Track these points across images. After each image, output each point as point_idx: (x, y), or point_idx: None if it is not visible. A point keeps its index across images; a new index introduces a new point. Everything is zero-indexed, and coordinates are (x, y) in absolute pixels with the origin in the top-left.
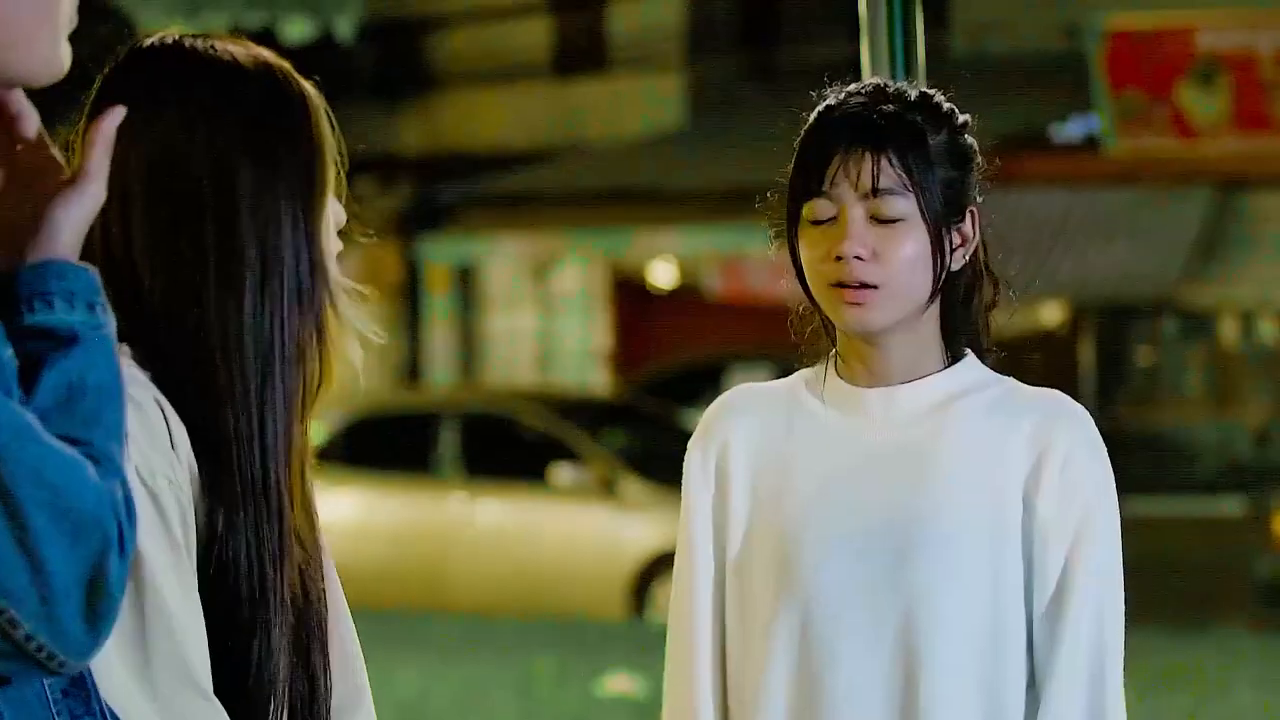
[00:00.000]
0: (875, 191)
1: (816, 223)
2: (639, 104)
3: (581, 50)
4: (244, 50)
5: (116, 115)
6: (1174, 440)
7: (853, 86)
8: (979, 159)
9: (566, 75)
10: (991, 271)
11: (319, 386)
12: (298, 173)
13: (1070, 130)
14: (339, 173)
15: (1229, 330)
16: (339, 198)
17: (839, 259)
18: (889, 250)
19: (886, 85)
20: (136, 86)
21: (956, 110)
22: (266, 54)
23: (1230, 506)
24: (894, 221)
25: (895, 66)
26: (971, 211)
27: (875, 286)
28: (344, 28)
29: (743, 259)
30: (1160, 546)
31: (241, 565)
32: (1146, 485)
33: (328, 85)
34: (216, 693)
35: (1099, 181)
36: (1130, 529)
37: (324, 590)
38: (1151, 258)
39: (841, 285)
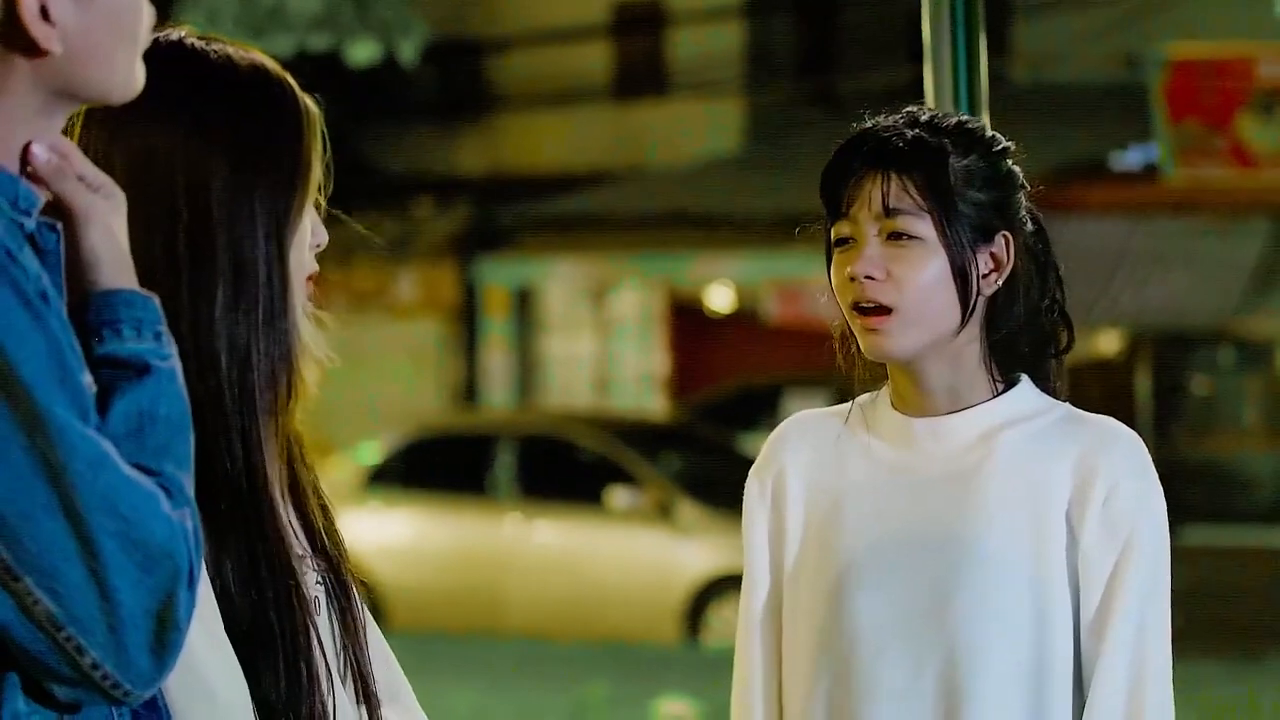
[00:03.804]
0: (888, 211)
1: (840, 244)
2: (698, 128)
3: (641, 74)
4: (243, 57)
5: (38, 147)
6: (1230, 470)
7: (890, 115)
8: (1021, 185)
9: (626, 99)
10: (1066, 315)
11: (289, 404)
12: (275, 186)
13: (1129, 159)
14: (323, 193)
15: None
16: (322, 218)
17: (854, 280)
18: (903, 271)
19: (921, 112)
20: None
21: (997, 136)
22: (266, 63)
23: None
24: (910, 241)
25: (958, 93)
26: (1005, 236)
27: (890, 310)
28: (408, 50)
29: (800, 284)
30: (1216, 576)
31: (238, 583)
32: (1202, 515)
33: (389, 107)
34: (265, 703)
35: (1158, 211)
36: (1186, 559)
37: (355, 585)
38: (1209, 287)
39: (859, 308)
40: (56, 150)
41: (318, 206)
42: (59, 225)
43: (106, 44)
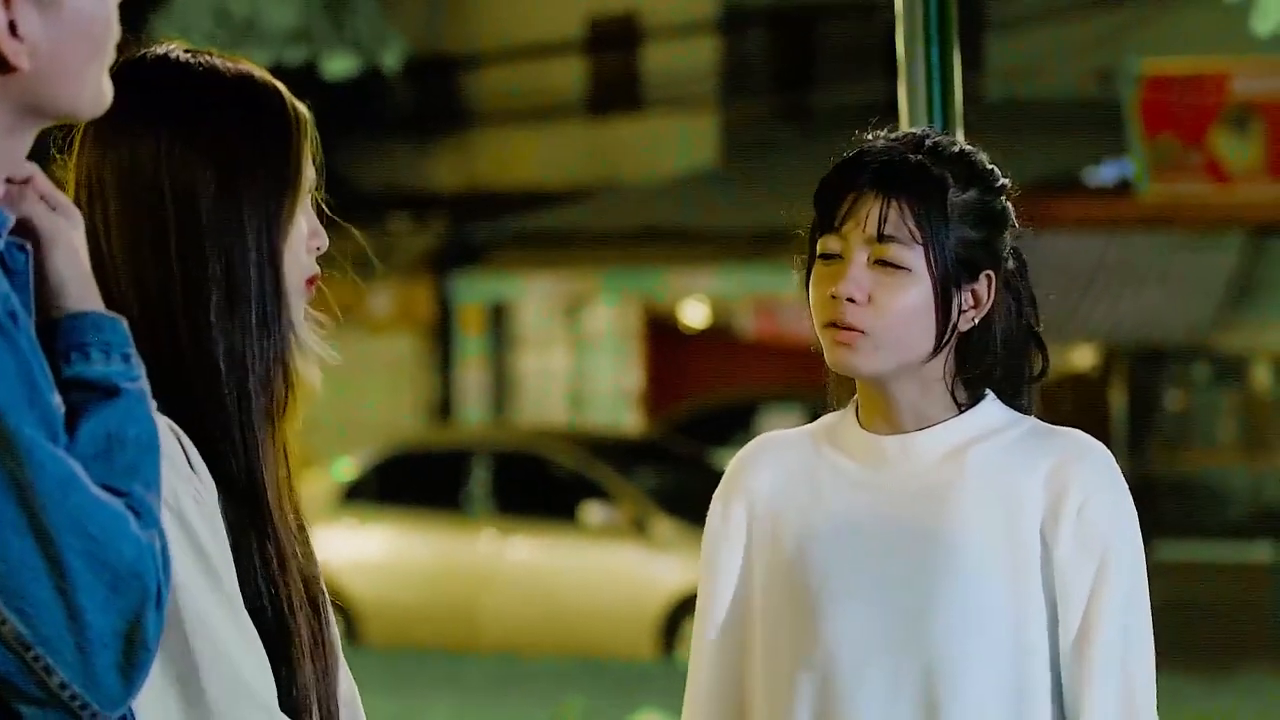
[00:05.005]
0: (880, 237)
1: (825, 258)
2: (673, 144)
3: (616, 90)
4: (228, 66)
5: None
6: (1205, 485)
7: (895, 132)
8: (1011, 225)
9: (601, 115)
10: (1041, 342)
11: (286, 408)
12: (264, 191)
13: (1104, 174)
14: (319, 198)
15: (1261, 375)
16: (321, 220)
17: (834, 298)
18: (885, 298)
19: (927, 136)
20: (117, 99)
21: (996, 171)
22: (253, 71)
23: (1261, 552)
24: (897, 270)
25: (932, 110)
26: (989, 275)
27: (865, 332)
28: (388, 61)
29: (775, 300)
30: (1190, 592)
31: (252, 585)
32: (1177, 530)
33: (364, 123)
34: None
35: (1132, 226)
36: (1161, 574)
37: (328, 604)
38: (1184, 302)
39: (834, 325)
40: (19, 173)
41: (317, 210)
42: (28, 245)
43: (76, 60)
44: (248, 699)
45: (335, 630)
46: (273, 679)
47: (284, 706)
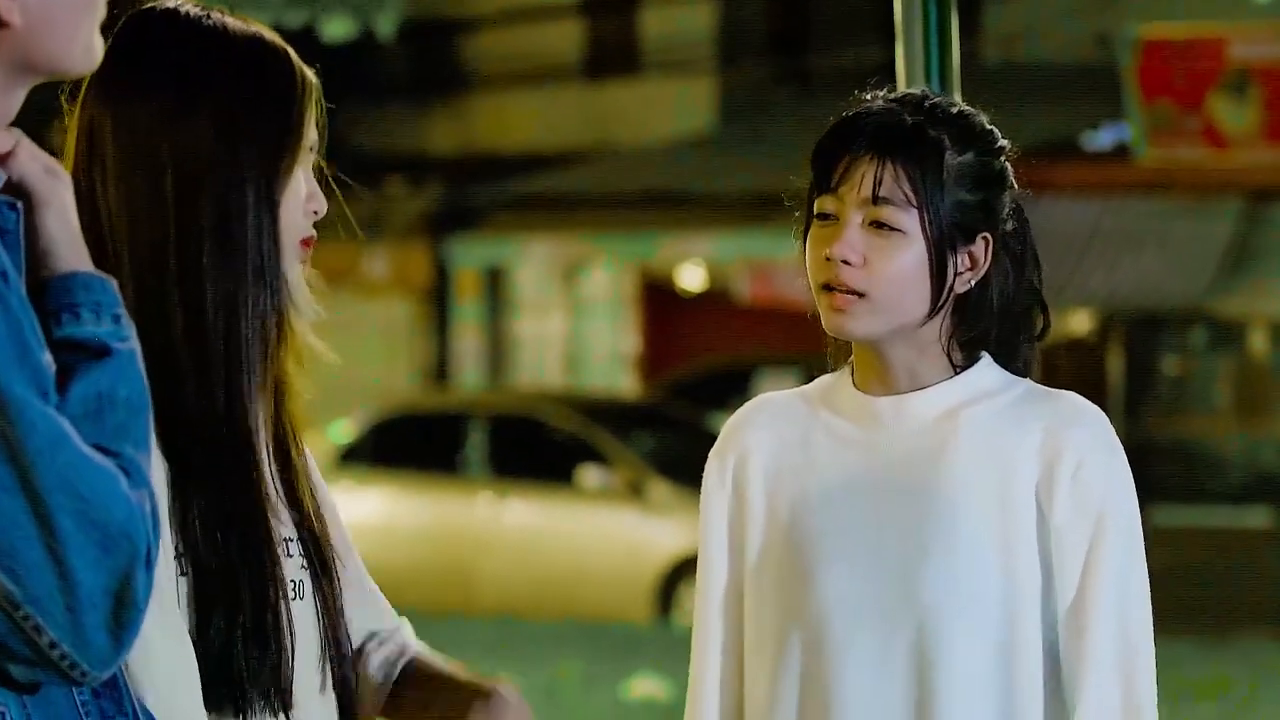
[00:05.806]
0: (875, 199)
1: (821, 219)
2: (670, 108)
3: (613, 53)
4: (237, 25)
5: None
6: (1202, 451)
7: (894, 94)
8: (1010, 186)
9: (598, 78)
10: (1043, 302)
11: (280, 360)
12: (263, 149)
13: (1101, 139)
14: (320, 160)
15: (1258, 341)
16: (321, 186)
17: (830, 260)
18: (880, 261)
19: (925, 97)
20: (118, 53)
21: (995, 132)
22: (262, 32)
23: (1257, 517)
24: (892, 232)
25: (930, 73)
26: (986, 238)
27: (861, 294)
28: (383, 28)
29: (772, 263)
30: (1187, 557)
31: (204, 527)
32: (1173, 495)
33: (361, 86)
34: (227, 656)
35: (1129, 191)
36: (1157, 539)
37: (334, 555)
38: (1181, 268)
39: (830, 288)
40: (9, 133)
41: (319, 176)
42: (19, 204)
43: (66, 15)
44: (169, 683)
45: (339, 600)
46: (194, 662)
47: (240, 660)
